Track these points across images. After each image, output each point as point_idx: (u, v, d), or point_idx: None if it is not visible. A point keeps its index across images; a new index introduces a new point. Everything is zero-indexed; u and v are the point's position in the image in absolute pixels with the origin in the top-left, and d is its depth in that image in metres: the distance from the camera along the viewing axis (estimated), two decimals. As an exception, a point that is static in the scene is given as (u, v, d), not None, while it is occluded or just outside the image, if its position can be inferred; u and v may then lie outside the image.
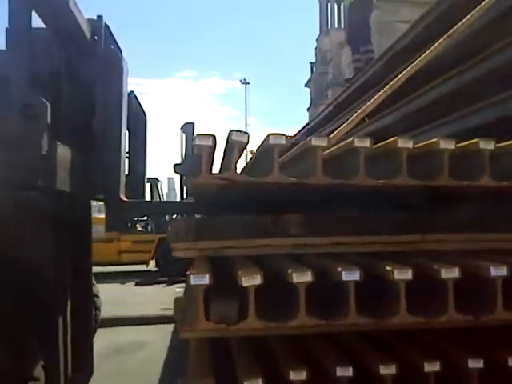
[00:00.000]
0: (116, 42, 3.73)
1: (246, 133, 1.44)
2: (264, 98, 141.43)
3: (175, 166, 13.50)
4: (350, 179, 1.44)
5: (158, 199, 13.25)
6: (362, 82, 4.77)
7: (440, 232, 1.70)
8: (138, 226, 14.09)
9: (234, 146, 1.41)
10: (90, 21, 3.46)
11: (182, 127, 13.70)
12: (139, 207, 4.20)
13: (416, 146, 1.52)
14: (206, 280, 1.27)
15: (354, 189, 1.50)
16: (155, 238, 12.97)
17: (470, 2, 2.95)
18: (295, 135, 8.35)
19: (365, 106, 2.13)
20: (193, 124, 13.68)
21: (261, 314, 1.28)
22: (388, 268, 1.31)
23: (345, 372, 1.41)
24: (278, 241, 1.72)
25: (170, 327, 7.02)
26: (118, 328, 6.87)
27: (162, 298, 9.77)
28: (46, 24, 3.15)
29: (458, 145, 1.57)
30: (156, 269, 13.35)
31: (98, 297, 5.19)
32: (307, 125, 7.00)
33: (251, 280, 1.26)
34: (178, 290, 10.80)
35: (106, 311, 5.17)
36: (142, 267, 13.16)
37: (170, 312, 6.68)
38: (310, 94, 62.70)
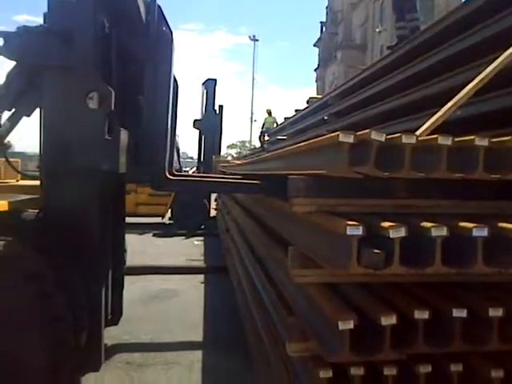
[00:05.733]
0: (167, 23, 3.79)
1: (383, 133, 1.64)
2: (270, 54, 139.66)
3: (195, 121, 13.66)
4: (469, 174, 1.66)
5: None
6: (407, 50, 4.86)
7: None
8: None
9: (373, 144, 1.61)
10: (144, 1, 3.55)
11: (203, 83, 13.84)
12: (184, 185, 4.35)
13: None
14: (360, 231, 1.51)
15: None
16: (172, 191, 13.19)
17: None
18: (323, 97, 8.48)
19: (456, 99, 2.26)
20: (215, 80, 13.84)
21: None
22: (509, 226, 1.55)
23: (460, 313, 1.67)
24: (386, 201, 1.95)
25: (198, 278, 7.37)
26: (147, 277, 7.18)
27: (181, 249, 10.11)
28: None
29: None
30: (170, 222, 13.65)
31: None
32: (340, 87, 7.09)
33: (397, 232, 1.50)
34: (197, 242, 11.16)
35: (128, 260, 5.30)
36: (157, 219, 13.42)
37: (196, 263, 7.08)
38: (319, 54, 62.30)
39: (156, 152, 3.61)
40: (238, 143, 67.45)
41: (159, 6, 3.66)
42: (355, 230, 1.51)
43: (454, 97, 2.44)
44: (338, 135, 1.61)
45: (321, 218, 1.83)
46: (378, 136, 1.61)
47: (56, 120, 3.13)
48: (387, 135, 1.65)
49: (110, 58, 3.50)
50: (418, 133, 2.04)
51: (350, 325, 1.60)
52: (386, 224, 1.54)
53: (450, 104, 2.21)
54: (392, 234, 1.50)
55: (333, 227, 1.65)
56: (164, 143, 3.65)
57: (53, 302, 2.72)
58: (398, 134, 1.65)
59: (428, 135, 2.03)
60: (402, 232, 1.51)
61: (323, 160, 1.82)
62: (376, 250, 1.51)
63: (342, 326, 1.60)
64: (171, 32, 3.70)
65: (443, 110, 2.19)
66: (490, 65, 2.34)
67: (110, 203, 3.77)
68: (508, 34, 2.94)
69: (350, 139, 1.61)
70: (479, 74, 2.32)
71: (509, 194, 1.85)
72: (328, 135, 1.78)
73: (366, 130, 1.63)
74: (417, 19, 5.25)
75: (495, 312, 1.69)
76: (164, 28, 3.66)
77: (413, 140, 1.64)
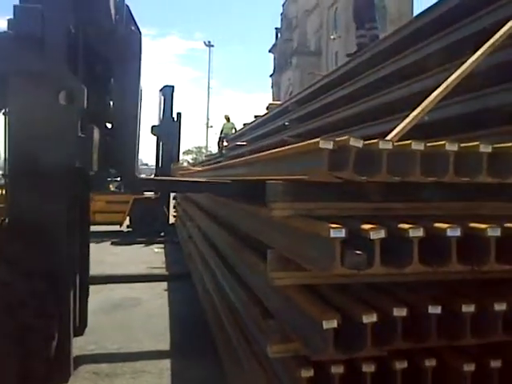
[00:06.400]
0: (136, 23, 3.80)
1: (361, 140, 1.71)
2: (226, 60, 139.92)
3: (153, 127, 13.59)
4: (440, 177, 1.75)
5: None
6: (367, 58, 5.00)
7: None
8: (111, 186, 14.10)
9: (351, 150, 1.67)
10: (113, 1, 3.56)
11: (160, 90, 13.78)
12: (155, 184, 4.37)
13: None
14: (343, 233, 1.57)
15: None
16: (130, 198, 13.05)
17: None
18: (283, 103, 8.60)
19: (424, 105, 2.36)
20: (172, 87, 13.81)
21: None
22: (481, 226, 1.64)
23: (435, 310, 1.76)
24: (362, 204, 2.02)
25: (161, 285, 7.31)
26: (109, 286, 7.08)
27: (142, 257, 10.00)
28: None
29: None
30: (128, 229, 13.49)
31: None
32: (301, 93, 7.21)
33: (377, 234, 1.57)
34: (157, 250, 11.06)
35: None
36: (115, 227, 13.22)
37: (158, 271, 7.02)
38: (274, 60, 62.81)
39: (127, 151, 3.62)
40: (194, 149, 67.22)
41: (127, 6, 3.67)
42: (338, 232, 1.57)
43: (412, 103, 2.55)
44: (318, 142, 1.67)
45: (302, 221, 1.88)
46: (356, 142, 1.68)
47: (26, 122, 3.08)
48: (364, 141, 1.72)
49: (79, 57, 3.47)
50: (388, 138, 2.13)
51: (334, 324, 1.66)
52: (366, 226, 1.60)
53: (418, 110, 2.31)
54: (373, 236, 1.57)
55: (316, 230, 1.70)
56: (134, 142, 3.66)
57: (25, 310, 2.68)
58: (375, 140, 1.72)
59: (398, 140, 2.12)
60: (381, 233, 1.58)
61: (304, 165, 1.87)
62: (358, 252, 1.57)
63: (326, 325, 1.65)
64: (140, 32, 3.71)
65: (412, 116, 2.29)
66: (453, 72, 2.46)
67: (78, 209, 3.74)
68: (466, 43, 3.10)
69: (330, 145, 1.67)
70: (444, 80, 2.43)
71: (477, 195, 1.96)
72: (307, 142, 1.84)
73: (345, 137, 1.70)
74: (376, 28, 5.42)
75: (468, 308, 1.78)
76: (133, 27, 3.68)
77: (389, 146, 1.71)
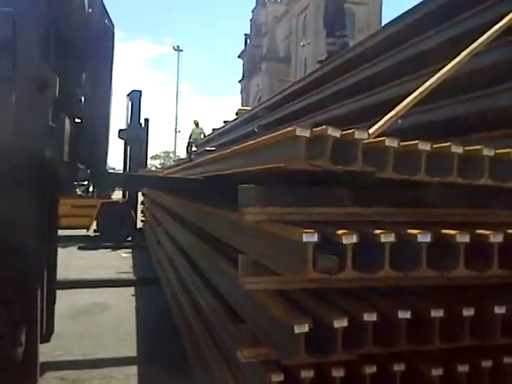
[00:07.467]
0: (109, 17, 3.76)
1: (338, 129, 1.70)
2: (195, 65, 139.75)
3: (120, 131, 13.47)
4: (412, 175, 1.75)
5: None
6: (339, 64, 5.06)
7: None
8: (77, 190, 13.89)
9: (328, 139, 1.67)
10: None
11: (128, 94, 13.69)
12: (127, 180, 4.29)
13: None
14: (315, 238, 1.57)
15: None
16: (97, 202, 12.89)
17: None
18: (253, 109, 8.62)
19: (398, 109, 2.38)
20: (140, 92, 13.71)
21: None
22: (451, 232, 1.67)
23: (404, 315, 1.77)
24: (333, 209, 2.03)
25: (129, 290, 7.22)
26: (75, 291, 6.94)
27: (109, 262, 9.88)
28: None
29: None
30: (95, 234, 13.31)
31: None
32: (271, 99, 7.24)
33: (349, 239, 1.58)
34: (125, 255, 10.93)
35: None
36: (82, 232, 13.02)
37: (127, 275, 6.92)
38: (243, 65, 63.06)
39: (98, 144, 3.56)
40: (162, 154, 66.90)
41: (101, 0, 3.64)
42: (311, 237, 1.57)
43: (381, 110, 2.57)
44: (295, 129, 1.66)
45: (275, 226, 1.88)
46: (333, 132, 1.67)
47: None
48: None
49: (50, 47, 3.39)
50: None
51: (306, 328, 1.66)
52: (339, 231, 1.61)
53: (391, 114, 2.32)
54: (345, 241, 1.58)
55: (288, 235, 1.70)
56: (106, 135, 3.61)
57: None
58: (351, 131, 1.71)
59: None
60: (353, 238, 1.59)
61: (280, 154, 1.84)
62: (330, 256, 1.57)
63: (297, 329, 1.65)
64: (113, 26, 3.68)
65: (385, 119, 2.30)
66: (429, 78, 2.50)
67: (47, 212, 3.65)
68: (437, 51, 3.17)
69: (307, 133, 1.66)
70: (415, 87, 2.47)
71: (447, 201, 1.99)
72: (283, 130, 1.82)
73: (323, 126, 1.69)
74: (346, 36, 5.49)
75: (437, 313, 1.80)
76: (106, 21, 3.64)
77: (365, 136, 1.70)
